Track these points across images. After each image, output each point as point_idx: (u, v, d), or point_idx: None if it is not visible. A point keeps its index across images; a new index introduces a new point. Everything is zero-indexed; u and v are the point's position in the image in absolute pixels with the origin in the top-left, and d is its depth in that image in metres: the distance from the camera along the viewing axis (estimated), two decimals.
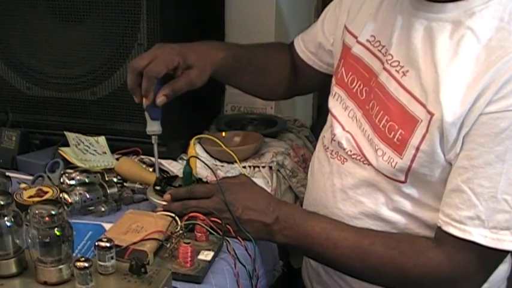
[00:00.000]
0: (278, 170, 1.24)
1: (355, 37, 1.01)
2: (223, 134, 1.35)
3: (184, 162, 1.04)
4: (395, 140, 0.88)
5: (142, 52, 1.15)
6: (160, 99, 0.98)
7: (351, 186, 0.96)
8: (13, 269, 0.72)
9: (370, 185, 0.93)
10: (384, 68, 0.93)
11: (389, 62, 0.92)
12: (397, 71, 0.90)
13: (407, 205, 0.90)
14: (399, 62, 0.90)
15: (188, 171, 1.00)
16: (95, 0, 1.15)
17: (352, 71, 1.01)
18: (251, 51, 1.17)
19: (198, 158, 1.04)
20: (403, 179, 0.88)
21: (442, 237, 0.85)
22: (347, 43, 1.04)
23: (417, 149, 0.85)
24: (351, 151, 0.96)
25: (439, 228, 0.85)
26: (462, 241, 0.82)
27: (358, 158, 0.95)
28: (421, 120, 0.85)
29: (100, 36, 1.17)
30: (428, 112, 0.84)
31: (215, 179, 0.97)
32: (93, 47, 1.19)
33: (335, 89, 1.05)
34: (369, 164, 0.93)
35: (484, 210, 0.80)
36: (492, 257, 0.84)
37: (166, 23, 1.15)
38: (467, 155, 0.81)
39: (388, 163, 0.89)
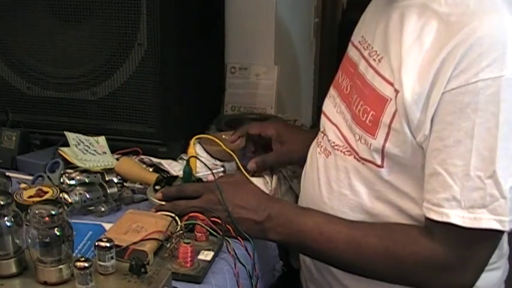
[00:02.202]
0: (279, 170, 1.24)
1: (352, 43, 1.06)
2: (223, 134, 1.35)
3: (184, 162, 1.04)
4: (367, 121, 0.89)
5: (142, 52, 1.15)
6: (251, 167, 1.14)
7: (335, 179, 0.96)
8: (13, 269, 0.72)
9: (352, 175, 0.93)
10: (363, 58, 0.96)
11: (371, 54, 0.94)
12: (374, 60, 0.92)
13: (388, 194, 0.90)
14: (376, 51, 0.93)
15: (188, 171, 1.00)
16: (95, 0, 1.15)
17: (345, 72, 1.04)
18: None
19: (198, 158, 1.04)
20: (379, 162, 0.88)
21: (428, 224, 0.85)
22: (347, 51, 1.08)
23: (389, 127, 0.86)
24: (334, 142, 0.98)
25: (425, 216, 0.85)
26: (445, 225, 0.81)
27: (341, 149, 0.96)
28: (390, 99, 0.86)
29: (100, 36, 1.17)
30: (395, 90, 0.85)
31: (215, 178, 0.97)
32: (93, 47, 1.19)
33: (331, 90, 1.09)
34: (351, 153, 0.94)
35: (459, 190, 0.80)
36: (477, 238, 0.82)
37: (166, 23, 1.15)
38: (438, 136, 0.81)
39: (365, 145, 0.90)
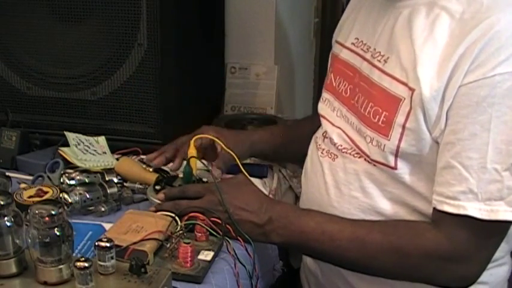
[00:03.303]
0: (279, 170, 1.24)
1: (342, 44, 1.05)
2: None
3: (185, 162, 1.03)
4: (380, 123, 0.89)
5: (142, 52, 1.15)
6: (218, 173, 1.05)
7: (344, 181, 0.96)
8: (13, 269, 0.72)
9: (363, 178, 0.93)
10: (366, 60, 0.95)
11: (374, 55, 0.94)
12: (379, 61, 0.92)
13: (401, 195, 0.90)
14: (380, 52, 0.93)
15: (188, 171, 1.00)
16: (95, 0, 1.15)
17: (339, 75, 1.04)
18: (290, 142, 1.20)
19: (198, 159, 1.04)
20: (393, 164, 0.88)
21: (438, 217, 0.84)
22: (334, 52, 1.08)
23: (403, 127, 0.86)
24: (341, 145, 0.97)
25: (435, 209, 0.85)
26: (458, 217, 0.81)
27: (349, 151, 0.95)
28: (404, 98, 0.85)
29: (100, 36, 1.17)
30: (410, 89, 0.85)
31: (214, 180, 0.97)
32: (93, 47, 1.19)
33: (324, 94, 1.08)
34: (361, 155, 0.93)
35: (475, 183, 0.80)
36: (491, 230, 0.83)
37: (166, 23, 1.15)
38: (452, 129, 0.81)
39: (378, 147, 0.89)
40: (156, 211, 0.93)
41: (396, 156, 0.87)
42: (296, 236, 0.90)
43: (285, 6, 1.66)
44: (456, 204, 0.81)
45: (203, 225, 0.88)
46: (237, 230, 0.89)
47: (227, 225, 0.89)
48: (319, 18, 2.13)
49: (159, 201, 0.96)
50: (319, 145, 1.04)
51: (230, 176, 1.06)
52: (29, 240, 0.70)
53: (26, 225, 0.72)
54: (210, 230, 0.88)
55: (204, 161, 1.08)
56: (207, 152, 1.09)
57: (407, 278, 0.89)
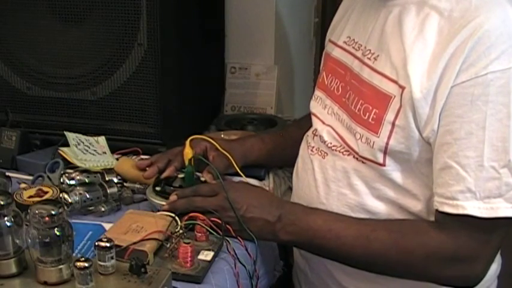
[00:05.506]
0: (280, 169, 1.24)
1: (334, 43, 1.06)
2: (223, 133, 1.35)
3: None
4: (370, 120, 0.89)
5: (142, 52, 1.15)
6: (209, 177, 1.03)
7: (333, 179, 0.96)
8: (13, 269, 0.72)
9: (352, 175, 0.93)
10: (357, 58, 0.96)
11: (364, 53, 0.94)
12: (369, 58, 0.93)
13: (389, 192, 0.90)
14: (371, 50, 0.93)
15: (190, 171, 1.00)
16: (95, 0, 1.15)
17: (331, 73, 1.04)
18: (283, 150, 1.19)
19: (201, 158, 1.04)
20: (381, 160, 0.88)
21: (440, 218, 0.85)
22: (327, 51, 1.09)
23: (393, 124, 0.86)
24: (331, 143, 0.98)
25: (436, 210, 0.85)
26: (459, 217, 0.81)
27: (338, 149, 0.96)
28: (394, 96, 0.86)
29: (100, 36, 1.17)
30: (400, 86, 0.85)
31: (220, 180, 0.97)
32: (93, 47, 1.19)
33: (316, 92, 1.08)
34: (350, 153, 0.94)
35: (473, 182, 0.80)
36: (493, 228, 0.83)
37: (166, 23, 1.15)
38: (448, 129, 0.82)
39: (367, 144, 0.90)
40: (168, 210, 0.93)
41: (385, 153, 0.88)
42: (303, 233, 0.90)
43: (285, 6, 1.66)
44: (455, 204, 0.82)
45: (203, 225, 0.88)
46: (247, 229, 0.89)
47: (227, 225, 0.89)
48: (319, 18, 2.13)
49: (158, 202, 0.96)
50: (309, 143, 1.04)
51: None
52: (29, 240, 0.70)
53: (26, 225, 0.72)
54: (210, 230, 0.88)
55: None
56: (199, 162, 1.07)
57: (413, 276, 0.90)
